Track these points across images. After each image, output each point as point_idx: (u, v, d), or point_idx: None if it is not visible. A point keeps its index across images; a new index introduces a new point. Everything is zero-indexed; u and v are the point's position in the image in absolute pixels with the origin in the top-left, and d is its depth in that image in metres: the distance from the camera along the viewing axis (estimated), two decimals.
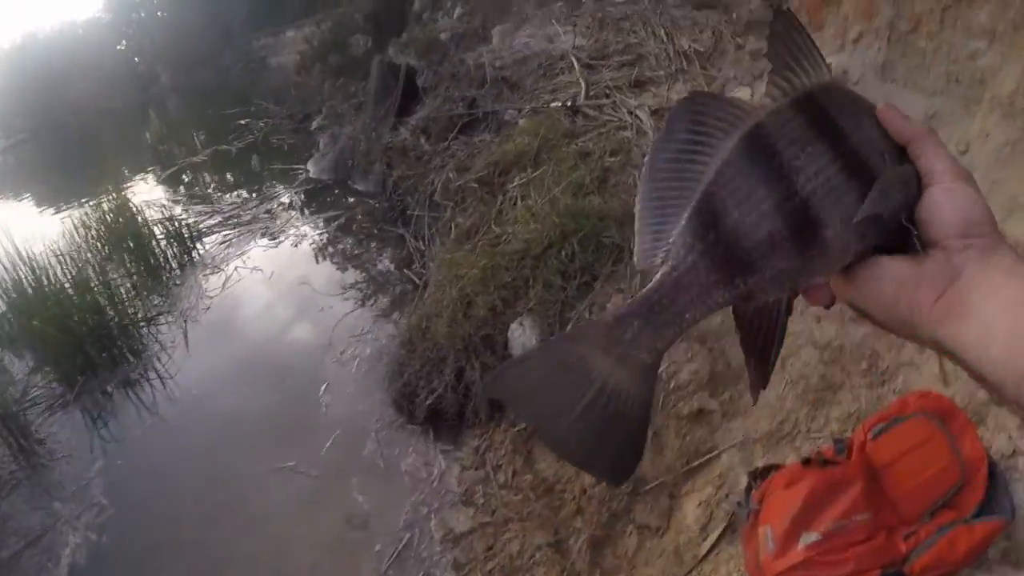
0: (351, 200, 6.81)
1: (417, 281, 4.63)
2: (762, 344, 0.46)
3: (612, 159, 3.66)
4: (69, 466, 3.94)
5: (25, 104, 23.96)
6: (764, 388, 0.47)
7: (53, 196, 12.39)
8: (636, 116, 4.04)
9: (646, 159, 0.46)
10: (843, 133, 0.44)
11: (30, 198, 15.94)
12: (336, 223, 6.41)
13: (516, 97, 5.37)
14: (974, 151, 2.64)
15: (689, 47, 4.64)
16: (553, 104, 4.55)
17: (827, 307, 0.47)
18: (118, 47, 27.58)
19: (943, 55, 2.92)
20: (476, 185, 4.33)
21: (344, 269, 5.47)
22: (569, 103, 4.39)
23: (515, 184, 4.04)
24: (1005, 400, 0.40)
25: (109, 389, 4.58)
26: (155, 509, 3.47)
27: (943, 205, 0.42)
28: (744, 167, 0.43)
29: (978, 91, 2.76)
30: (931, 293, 0.41)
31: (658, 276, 0.44)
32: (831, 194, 0.43)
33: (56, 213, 9.47)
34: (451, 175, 4.77)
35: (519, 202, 3.84)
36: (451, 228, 4.43)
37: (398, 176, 5.65)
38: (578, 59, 5.09)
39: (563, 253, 3.13)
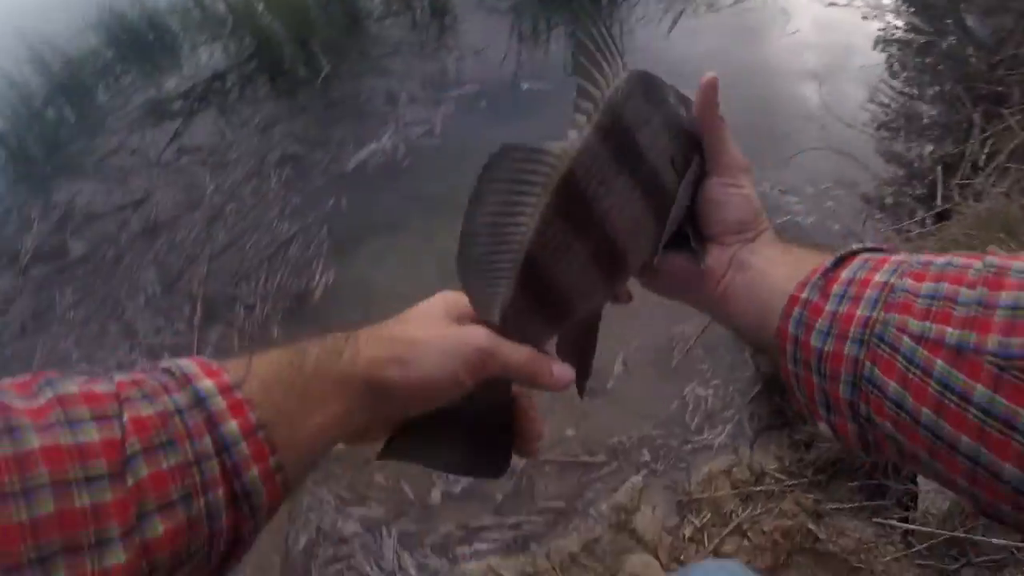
0: None
1: None
2: (581, 349, 0.52)
3: None
4: None
5: None
6: (587, 379, 0.53)
7: None
8: None
9: (463, 221, 0.45)
10: (642, 153, 0.48)
11: None
12: None
13: None
14: None
15: None
16: None
17: (628, 303, 0.53)
18: None
19: None
20: None
21: None
22: None
23: None
24: (765, 351, 0.49)
25: None
26: None
27: (720, 206, 0.51)
28: (559, 225, 0.46)
29: None
30: (712, 283, 0.51)
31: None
32: (635, 225, 0.49)
33: None
34: None
35: None
36: None
37: None
38: None
39: None
